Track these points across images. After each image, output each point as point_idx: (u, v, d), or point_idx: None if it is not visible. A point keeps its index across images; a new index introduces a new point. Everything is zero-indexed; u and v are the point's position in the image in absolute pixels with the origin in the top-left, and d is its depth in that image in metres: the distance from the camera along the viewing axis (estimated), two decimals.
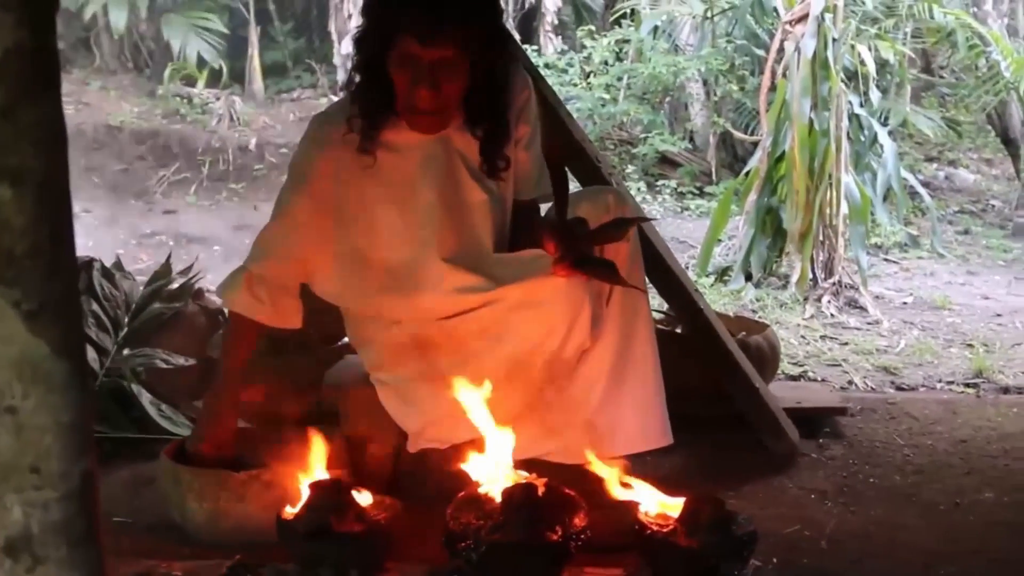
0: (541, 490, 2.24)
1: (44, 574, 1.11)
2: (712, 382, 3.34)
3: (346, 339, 3.43)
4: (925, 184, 8.54)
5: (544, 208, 2.86)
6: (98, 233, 7.71)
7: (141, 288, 3.85)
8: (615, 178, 3.36)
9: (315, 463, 2.44)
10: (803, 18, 6.61)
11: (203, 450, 2.70)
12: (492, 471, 2.34)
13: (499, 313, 2.60)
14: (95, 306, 3.63)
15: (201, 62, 11.26)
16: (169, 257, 4.13)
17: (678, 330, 3.63)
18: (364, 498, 2.38)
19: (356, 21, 11.30)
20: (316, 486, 2.32)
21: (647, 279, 2.96)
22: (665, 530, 2.23)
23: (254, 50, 11.71)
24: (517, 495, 2.21)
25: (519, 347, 2.58)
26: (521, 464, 2.42)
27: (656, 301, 3.38)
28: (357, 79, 2.60)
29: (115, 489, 2.98)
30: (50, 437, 1.07)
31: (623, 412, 2.63)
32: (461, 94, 2.56)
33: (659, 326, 2.86)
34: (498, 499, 2.24)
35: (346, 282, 2.73)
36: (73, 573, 1.12)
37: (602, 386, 2.62)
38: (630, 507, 2.32)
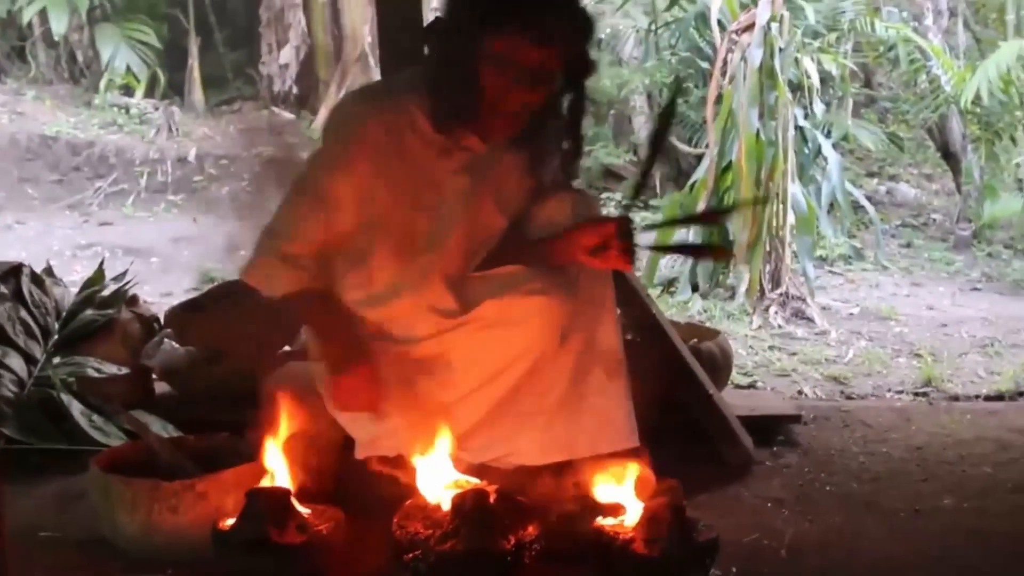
0: (492, 497, 2.13)
1: None
2: (665, 390, 3.25)
3: (286, 348, 3.32)
4: (867, 198, 8.56)
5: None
6: (32, 244, 7.48)
7: (73, 295, 3.71)
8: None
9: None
10: (749, 27, 6.58)
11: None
12: (439, 478, 2.23)
13: (472, 333, 2.47)
14: (23, 312, 3.48)
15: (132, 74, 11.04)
16: (102, 263, 3.96)
17: (627, 336, 3.54)
18: (305, 507, 2.27)
19: (296, 32, 11.19)
20: (254, 495, 2.20)
21: None
22: (623, 538, 2.14)
23: (194, 60, 11.48)
24: (468, 502, 2.10)
25: (492, 367, 2.47)
26: (471, 469, 2.32)
27: None
28: (437, 75, 2.43)
29: (43, 503, 2.87)
30: None
31: (584, 412, 2.49)
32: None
33: None
34: (447, 507, 2.13)
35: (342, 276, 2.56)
36: None
37: (563, 386, 2.48)
38: (585, 514, 2.22)
